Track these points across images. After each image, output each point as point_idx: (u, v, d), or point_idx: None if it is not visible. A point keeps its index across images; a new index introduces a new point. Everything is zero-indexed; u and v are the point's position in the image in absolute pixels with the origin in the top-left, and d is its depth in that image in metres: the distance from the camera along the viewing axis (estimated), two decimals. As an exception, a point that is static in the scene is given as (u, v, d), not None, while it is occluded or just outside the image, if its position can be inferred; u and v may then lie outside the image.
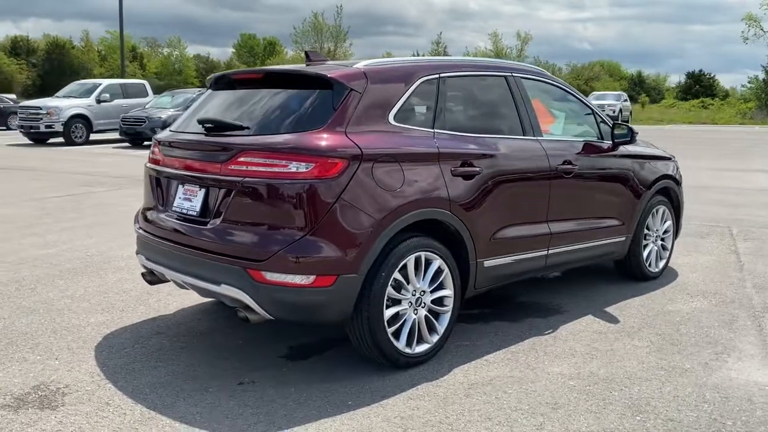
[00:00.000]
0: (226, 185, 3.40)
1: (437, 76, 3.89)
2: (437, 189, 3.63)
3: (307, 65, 4.01)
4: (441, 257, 3.69)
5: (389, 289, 3.46)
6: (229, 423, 3.02)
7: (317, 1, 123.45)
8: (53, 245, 6.48)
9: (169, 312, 4.56)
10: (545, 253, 4.37)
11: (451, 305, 3.79)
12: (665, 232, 5.58)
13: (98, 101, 19.67)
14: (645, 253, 5.36)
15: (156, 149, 3.97)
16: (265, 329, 4.14)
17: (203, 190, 3.54)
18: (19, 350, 3.85)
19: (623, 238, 5.08)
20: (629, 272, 5.39)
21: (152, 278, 4.00)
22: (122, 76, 33.28)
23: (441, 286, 3.74)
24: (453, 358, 3.78)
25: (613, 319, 4.47)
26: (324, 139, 3.29)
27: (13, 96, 30.58)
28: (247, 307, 3.33)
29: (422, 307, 3.65)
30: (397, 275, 3.49)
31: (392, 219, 3.40)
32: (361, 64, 3.73)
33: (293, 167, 3.23)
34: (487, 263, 3.98)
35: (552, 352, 3.88)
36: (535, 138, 4.32)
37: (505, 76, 4.32)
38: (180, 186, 3.71)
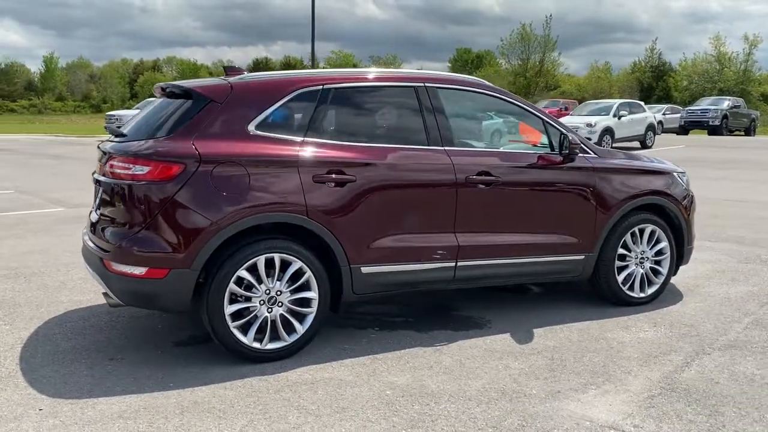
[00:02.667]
0: (102, 185, 3.94)
1: (320, 87, 4.06)
2: (291, 194, 3.81)
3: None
4: (301, 260, 3.86)
5: (232, 286, 3.72)
6: (59, 387, 3.52)
7: (538, 11, 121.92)
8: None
9: (139, 297, 5.21)
10: (452, 264, 4.28)
11: (316, 307, 3.93)
12: (659, 254, 5.04)
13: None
14: (621, 277, 4.90)
15: None
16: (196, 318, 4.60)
17: (101, 190, 4.10)
18: (-6, 316, 4.74)
19: (581, 257, 4.73)
20: (601, 295, 4.98)
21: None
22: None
23: (305, 288, 3.91)
24: (314, 358, 3.92)
25: (526, 340, 4.23)
26: (163, 146, 3.68)
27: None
28: (107, 293, 3.83)
29: (279, 306, 3.85)
30: (243, 273, 3.74)
31: (230, 220, 3.66)
32: (235, 78, 4.05)
33: (137, 170, 3.66)
34: (366, 270, 4.04)
35: (414, 363, 3.84)
36: (441, 148, 4.26)
37: (414, 87, 4.33)
38: (97, 187, 4.32)
